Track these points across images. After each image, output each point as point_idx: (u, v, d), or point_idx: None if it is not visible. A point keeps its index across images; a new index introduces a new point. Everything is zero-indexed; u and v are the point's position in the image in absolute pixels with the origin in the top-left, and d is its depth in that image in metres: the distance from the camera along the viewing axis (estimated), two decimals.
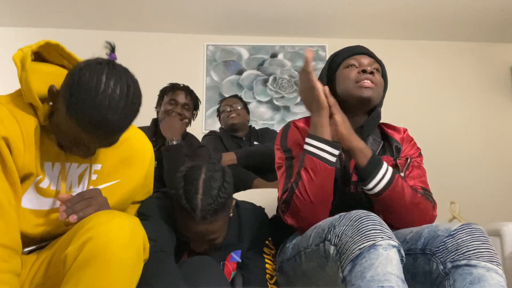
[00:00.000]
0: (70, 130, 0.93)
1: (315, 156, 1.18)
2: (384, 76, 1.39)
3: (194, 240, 1.23)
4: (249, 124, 2.64)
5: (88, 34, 3.72)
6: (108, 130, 0.93)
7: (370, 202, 1.31)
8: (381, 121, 1.42)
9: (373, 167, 1.19)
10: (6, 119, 0.94)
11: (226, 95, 3.77)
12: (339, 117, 1.22)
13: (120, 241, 0.84)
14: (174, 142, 1.85)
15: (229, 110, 2.52)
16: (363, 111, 1.34)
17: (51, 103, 0.98)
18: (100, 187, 1.10)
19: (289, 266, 1.26)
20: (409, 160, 1.34)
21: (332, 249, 1.00)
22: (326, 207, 1.18)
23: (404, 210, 1.22)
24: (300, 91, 1.27)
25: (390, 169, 1.22)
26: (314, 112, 1.23)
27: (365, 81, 1.28)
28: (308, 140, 1.22)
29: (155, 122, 2.11)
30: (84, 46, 3.80)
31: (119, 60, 1.20)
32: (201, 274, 1.09)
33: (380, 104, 1.36)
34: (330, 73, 1.41)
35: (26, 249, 1.10)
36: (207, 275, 1.09)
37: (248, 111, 2.62)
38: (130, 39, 3.74)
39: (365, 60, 1.34)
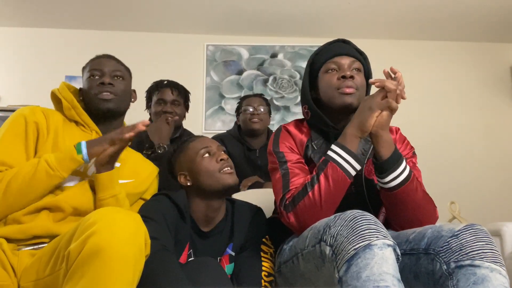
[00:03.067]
0: (87, 79, 1.38)
1: (339, 166, 1.19)
2: (367, 71, 1.39)
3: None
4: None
5: (88, 34, 3.72)
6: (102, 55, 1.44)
7: (369, 202, 1.32)
8: None
9: (395, 160, 1.20)
10: (37, 113, 1.29)
11: (226, 95, 3.78)
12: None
13: (123, 236, 0.85)
14: (161, 150, 1.77)
15: (251, 111, 2.24)
16: (347, 114, 1.33)
17: (81, 98, 1.41)
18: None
19: (287, 268, 1.26)
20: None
21: (328, 249, 1.00)
22: (331, 213, 1.18)
23: (415, 208, 1.23)
24: (372, 103, 1.18)
25: (408, 166, 1.23)
26: (356, 125, 1.20)
27: (346, 88, 1.29)
28: (335, 148, 1.22)
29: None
30: (84, 46, 3.82)
31: None
32: (204, 274, 1.09)
33: None
34: (311, 75, 1.41)
35: (24, 249, 1.11)
36: (210, 275, 1.10)
37: (270, 114, 2.37)
38: (130, 39, 3.74)
39: (345, 61, 1.34)
